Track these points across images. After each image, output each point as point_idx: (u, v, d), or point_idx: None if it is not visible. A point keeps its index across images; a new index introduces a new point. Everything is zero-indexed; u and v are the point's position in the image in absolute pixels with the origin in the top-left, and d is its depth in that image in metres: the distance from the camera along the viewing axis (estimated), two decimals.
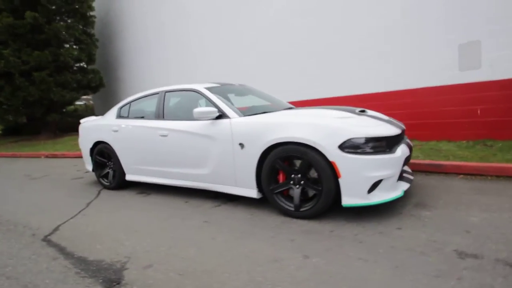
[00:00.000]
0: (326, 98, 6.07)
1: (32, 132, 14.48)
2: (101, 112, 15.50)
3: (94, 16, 12.36)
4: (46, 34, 10.59)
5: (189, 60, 9.61)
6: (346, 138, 2.32)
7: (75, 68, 12.18)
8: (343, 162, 2.31)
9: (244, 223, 2.59)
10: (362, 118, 2.71)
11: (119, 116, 4.06)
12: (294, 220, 2.55)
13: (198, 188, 3.27)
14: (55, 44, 10.96)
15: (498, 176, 3.23)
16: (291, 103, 4.14)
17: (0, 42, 10.40)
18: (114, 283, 1.82)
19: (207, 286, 1.71)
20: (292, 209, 2.58)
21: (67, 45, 11.58)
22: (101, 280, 1.87)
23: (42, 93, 10.54)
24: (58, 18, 11.39)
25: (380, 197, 2.35)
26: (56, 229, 2.83)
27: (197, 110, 2.94)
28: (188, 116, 3.44)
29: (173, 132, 3.31)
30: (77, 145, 9.42)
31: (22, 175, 5.93)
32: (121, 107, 4.10)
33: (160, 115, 3.55)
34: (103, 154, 4.19)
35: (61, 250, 2.36)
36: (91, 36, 12.22)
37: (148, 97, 3.86)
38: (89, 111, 17.27)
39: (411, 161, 3.69)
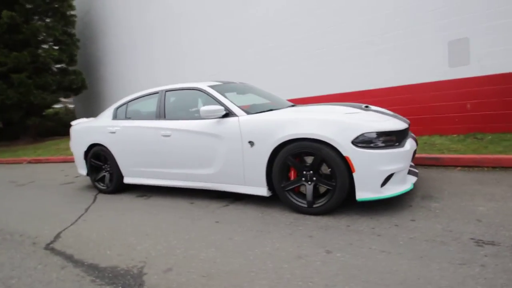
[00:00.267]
0: (322, 95, 6.13)
1: (10, 137, 13.77)
2: (83, 115, 15.05)
3: (74, 16, 11.92)
4: (24, 34, 10.11)
5: (178, 60, 9.45)
6: (359, 133, 2.35)
7: (55, 69, 11.69)
8: (357, 156, 2.33)
9: (257, 221, 2.57)
10: (369, 113, 2.75)
11: (116, 117, 3.92)
12: (307, 216, 2.55)
13: (203, 188, 3.21)
14: (34, 44, 10.47)
15: (494, 167, 3.37)
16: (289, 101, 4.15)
17: None
18: None
19: (236, 286, 1.67)
20: (305, 205, 2.58)
21: (46, 46, 11.09)
22: (120, 287, 1.79)
23: (21, 96, 10.05)
24: (36, 17, 10.88)
25: (392, 190, 2.39)
26: (58, 236, 2.69)
27: (204, 108, 2.88)
28: (192, 115, 3.38)
29: (176, 132, 3.23)
30: (60, 149, 9.07)
31: (6, 181, 5.61)
32: (117, 108, 3.95)
33: (161, 115, 3.46)
34: (98, 157, 4.03)
35: (68, 258, 2.24)
36: (71, 36, 11.78)
37: (146, 96, 3.75)
38: (70, 114, 16.64)
39: None
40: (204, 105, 3.34)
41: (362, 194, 2.38)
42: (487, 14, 4.45)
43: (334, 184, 2.44)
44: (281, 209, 2.76)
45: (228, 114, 2.95)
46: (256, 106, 3.38)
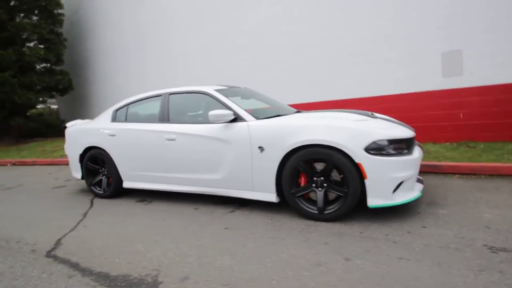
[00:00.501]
0: (315, 102, 6.20)
1: None
2: (67, 116, 14.59)
3: (62, 14, 11.58)
4: (9, 31, 9.71)
5: (170, 63, 9.33)
6: (372, 140, 2.38)
7: (41, 68, 11.29)
8: (369, 163, 2.36)
9: (267, 228, 2.54)
10: (378, 120, 2.80)
11: (115, 119, 3.80)
12: (318, 223, 2.55)
13: (209, 193, 3.16)
14: (19, 42, 10.09)
15: (491, 175, 3.49)
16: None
17: None
18: None
19: None
20: (316, 212, 2.57)
21: (31, 44, 10.71)
22: None
23: (5, 95, 9.62)
24: (22, 15, 10.50)
25: (403, 197, 2.43)
26: (58, 243, 2.56)
27: (212, 112, 2.85)
28: (198, 119, 3.33)
29: (181, 136, 3.17)
30: (46, 151, 8.73)
31: None
32: (117, 110, 3.84)
33: (165, 118, 3.39)
34: (95, 160, 3.89)
35: (74, 266, 2.13)
36: (59, 35, 11.44)
37: (148, 99, 3.67)
38: (54, 115, 16.08)
39: None
40: (209, 109, 3.30)
41: (373, 200, 2.40)
42: (479, 28, 4.66)
43: (346, 190, 2.45)
44: (290, 215, 2.75)
45: (236, 119, 2.92)
46: (260, 111, 3.36)
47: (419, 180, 2.82)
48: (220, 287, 1.74)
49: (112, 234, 2.69)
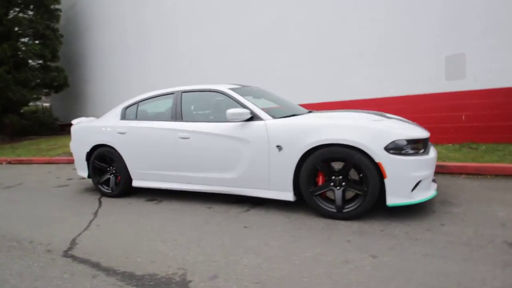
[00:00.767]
0: (322, 102, 6.23)
1: None
2: (61, 113, 14.30)
3: (59, 10, 11.36)
4: (4, 26, 9.47)
5: (174, 62, 9.23)
6: (391, 140, 2.41)
7: (36, 65, 11.04)
8: (389, 163, 2.39)
9: (287, 226, 2.55)
10: (394, 121, 2.84)
11: (125, 117, 3.75)
12: (337, 221, 2.57)
13: (223, 192, 3.15)
14: (14, 37, 9.85)
15: (496, 175, 3.58)
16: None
17: None
18: None
19: None
20: (334, 210, 2.60)
21: (26, 39, 10.46)
22: None
23: None
24: (18, 9, 10.26)
25: (420, 196, 2.47)
26: (74, 243, 2.51)
27: (230, 111, 2.84)
28: (212, 117, 3.32)
29: (196, 134, 3.15)
30: (42, 150, 8.54)
31: None
32: (126, 107, 3.79)
33: (178, 116, 3.36)
34: (104, 158, 3.83)
35: (96, 266, 2.10)
36: (55, 31, 11.21)
37: (159, 97, 3.64)
38: (47, 113, 15.75)
39: None
40: (223, 108, 3.29)
41: (393, 199, 2.43)
42: (482, 33, 4.78)
43: (365, 189, 2.48)
44: (307, 214, 2.76)
45: (253, 117, 2.93)
46: (276, 111, 3.34)
47: (433, 180, 2.87)
48: (252, 285, 1.74)
49: (128, 233, 2.65)
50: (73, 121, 4.27)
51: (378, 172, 2.43)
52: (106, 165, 3.86)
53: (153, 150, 3.42)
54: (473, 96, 4.92)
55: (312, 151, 2.61)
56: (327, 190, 2.66)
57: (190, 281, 1.83)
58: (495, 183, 3.35)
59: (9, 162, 7.46)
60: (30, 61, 10.78)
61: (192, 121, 3.28)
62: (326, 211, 2.63)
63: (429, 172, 2.52)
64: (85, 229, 2.81)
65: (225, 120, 3.05)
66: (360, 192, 2.53)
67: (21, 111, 11.88)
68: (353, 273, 1.79)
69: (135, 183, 3.65)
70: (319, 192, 2.66)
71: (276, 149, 2.75)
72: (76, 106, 13.55)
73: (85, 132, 3.99)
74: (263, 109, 3.02)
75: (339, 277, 1.76)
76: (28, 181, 5.19)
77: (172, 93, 3.52)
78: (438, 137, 5.33)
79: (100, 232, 2.71)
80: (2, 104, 9.96)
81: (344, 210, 2.57)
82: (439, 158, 4.48)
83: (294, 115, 3.09)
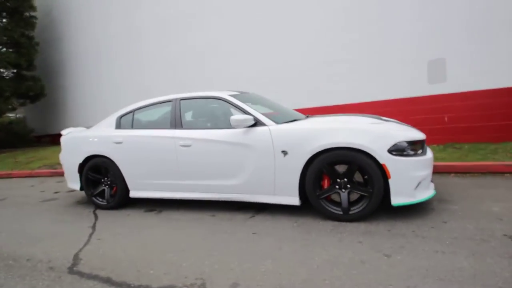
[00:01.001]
0: (309, 108, 6.37)
1: None
2: (36, 124, 13.64)
3: (35, 17, 10.92)
4: None
5: (159, 68, 9.10)
6: (394, 142, 2.51)
7: (9, 74, 10.50)
8: (392, 164, 2.48)
9: (295, 231, 2.57)
10: (392, 123, 2.96)
11: (120, 126, 3.66)
12: (344, 223, 2.62)
13: (227, 200, 3.13)
14: None
15: (483, 173, 3.80)
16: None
17: None
18: None
19: None
20: (341, 212, 2.65)
21: (0, 48, 9.96)
22: None
23: None
24: None
25: (422, 195, 2.58)
26: (77, 258, 2.40)
27: (234, 117, 2.85)
28: (214, 124, 3.31)
29: (198, 142, 3.12)
30: (20, 163, 8.11)
31: None
32: (121, 116, 3.70)
33: (177, 124, 3.32)
34: (98, 169, 3.70)
35: (107, 281, 2.02)
36: (30, 39, 10.74)
37: (156, 105, 3.58)
38: (21, 124, 14.96)
39: None
40: (222, 114, 3.30)
41: (397, 199, 2.52)
42: (462, 39, 5.09)
43: (370, 190, 2.56)
44: (313, 218, 2.80)
45: (256, 123, 2.95)
46: (277, 116, 3.31)
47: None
48: None
49: (132, 245, 2.57)
50: (63, 132, 4.10)
51: (382, 173, 2.52)
52: (100, 176, 3.73)
53: (153, 159, 3.35)
54: (455, 98, 5.22)
55: (318, 155, 2.67)
56: (332, 193, 2.72)
57: None
58: (483, 180, 3.55)
59: None
60: (3, 70, 10.27)
61: (193, 128, 3.25)
62: (332, 213, 2.68)
63: (428, 171, 2.64)
64: (86, 243, 2.70)
65: (227, 127, 3.05)
66: (365, 194, 2.60)
67: None
68: (371, 273, 1.83)
69: (133, 193, 3.55)
70: (325, 195, 2.71)
71: (281, 154, 2.78)
72: (52, 116, 12.99)
73: (77, 143, 3.84)
74: (265, 115, 3.05)
75: (359, 277, 1.80)
76: (11, 196, 4.90)
77: (170, 101, 3.47)
78: None
79: (103, 246, 2.61)
80: None
81: (350, 212, 2.63)
82: None
83: (295, 120, 3.14)
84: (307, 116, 3.70)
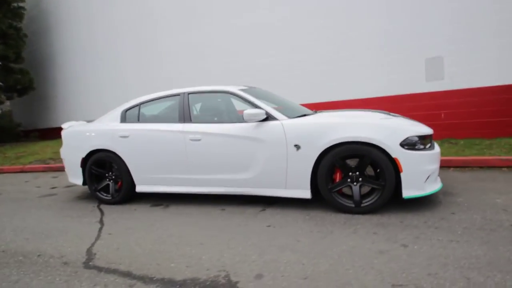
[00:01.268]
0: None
1: None
2: (22, 118, 13.20)
3: (23, 8, 10.51)
4: None
5: (152, 63, 8.95)
6: (406, 136, 2.57)
7: None
8: (404, 158, 2.55)
9: (310, 223, 2.61)
10: (401, 118, 3.03)
11: (126, 120, 3.59)
12: (356, 216, 2.68)
13: (237, 194, 3.13)
14: None
15: (481, 167, 3.94)
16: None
17: None
18: None
19: (347, 285, 1.70)
20: (353, 205, 2.71)
21: None
22: None
23: None
24: None
25: (431, 188, 2.67)
26: (90, 253, 2.37)
27: (247, 112, 2.85)
28: (223, 118, 3.29)
29: (208, 136, 3.11)
30: (10, 158, 7.86)
31: None
32: (126, 110, 3.63)
33: (186, 118, 3.29)
34: (102, 164, 3.63)
35: (127, 274, 2.00)
36: (18, 30, 10.34)
37: (163, 99, 3.53)
38: (6, 118, 14.43)
39: None
40: (230, 109, 3.30)
41: (408, 192, 2.59)
42: (457, 38, 5.23)
43: (383, 183, 2.62)
44: (324, 210, 2.85)
45: (268, 117, 2.96)
46: (288, 111, 3.28)
47: None
48: (301, 281, 1.77)
49: (146, 239, 2.55)
50: (64, 125, 3.99)
51: (394, 167, 2.58)
52: (104, 171, 3.66)
53: (160, 153, 3.31)
54: (451, 95, 5.37)
55: (330, 149, 2.70)
56: (344, 186, 2.77)
57: (237, 282, 1.81)
58: (483, 174, 3.68)
59: None
60: None
61: (202, 122, 3.23)
62: (344, 206, 2.73)
63: (437, 165, 2.72)
64: (97, 238, 2.65)
65: (238, 121, 3.05)
66: (377, 187, 2.66)
67: None
68: (392, 262, 1.89)
69: (139, 188, 3.51)
70: (337, 189, 2.76)
71: (294, 148, 2.80)
72: (40, 110, 12.60)
73: (80, 137, 3.75)
74: (276, 109, 3.06)
75: (381, 266, 1.85)
76: (6, 192, 4.75)
77: (178, 95, 3.43)
78: None
79: (116, 241, 2.58)
80: None
81: (362, 205, 2.69)
82: None
83: (305, 115, 3.17)
84: (315, 112, 3.73)
